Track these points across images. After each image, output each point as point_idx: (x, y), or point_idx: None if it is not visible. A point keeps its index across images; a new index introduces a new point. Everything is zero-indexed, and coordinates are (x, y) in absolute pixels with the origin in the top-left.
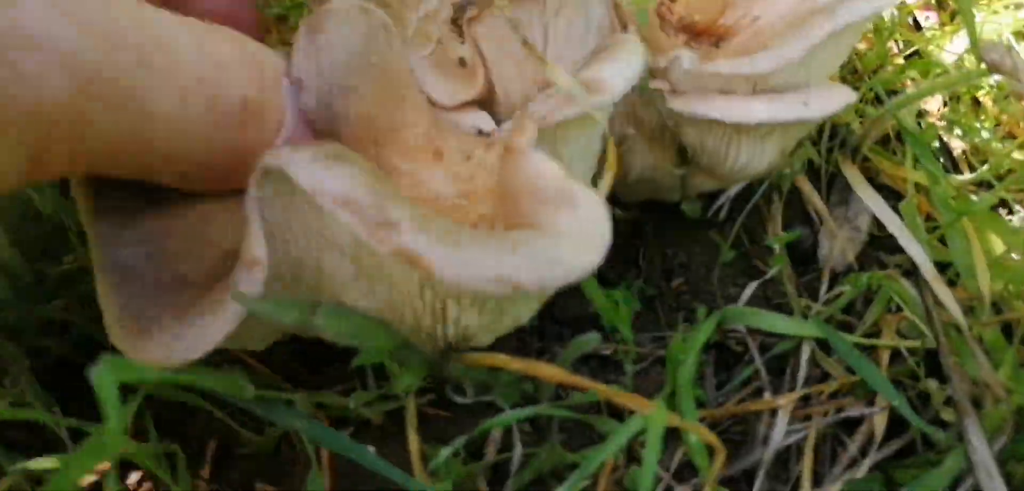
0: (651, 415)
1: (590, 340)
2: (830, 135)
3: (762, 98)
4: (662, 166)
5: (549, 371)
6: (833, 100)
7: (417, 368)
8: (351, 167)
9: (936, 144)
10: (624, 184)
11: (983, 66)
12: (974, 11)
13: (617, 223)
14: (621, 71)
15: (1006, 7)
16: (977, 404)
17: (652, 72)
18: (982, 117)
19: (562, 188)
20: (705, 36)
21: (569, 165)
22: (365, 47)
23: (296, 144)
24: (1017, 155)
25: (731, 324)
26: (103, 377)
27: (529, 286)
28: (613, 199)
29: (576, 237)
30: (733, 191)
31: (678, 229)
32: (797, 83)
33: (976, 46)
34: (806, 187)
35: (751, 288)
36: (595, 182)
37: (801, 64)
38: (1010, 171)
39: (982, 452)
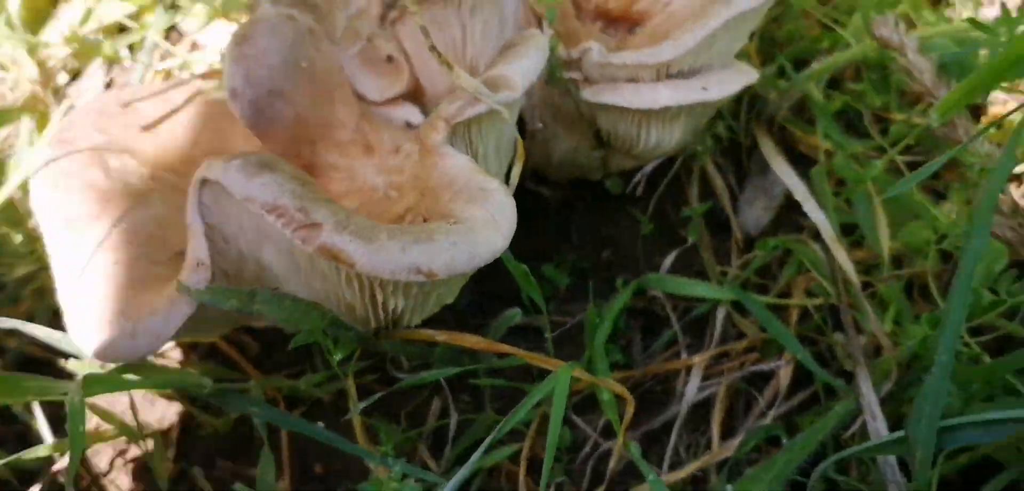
0: (559, 371)
1: (514, 315)
2: (749, 107)
3: (667, 84)
4: (581, 149)
5: (473, 340)
6: (732, 82)
7: (350, 343)
8: (276, 174)
9: (839, 110)
10: (549, 166)
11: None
12: None
13: (548, 202)
14: (523, 68)
15: None
16: (877, 354)
17: (566, 63)
18: (887, 85)
19: (474, 182)
20: (621, 22)
21: (485, 157)
22: (293, 53)
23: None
24: (918, 119)
25: (653, 290)
26: (75, 396)
27: (440, 271)
28: (542, 180)
29: (485, 226)
30: (649, 168)
31: (605, 205)
32: (701, 66)
33: (868, 20)
34: (709, 166)
35: (671, 257)
36: (510, 171)
37: (702, 49)
38: (911, 132)
39: (868, 396)
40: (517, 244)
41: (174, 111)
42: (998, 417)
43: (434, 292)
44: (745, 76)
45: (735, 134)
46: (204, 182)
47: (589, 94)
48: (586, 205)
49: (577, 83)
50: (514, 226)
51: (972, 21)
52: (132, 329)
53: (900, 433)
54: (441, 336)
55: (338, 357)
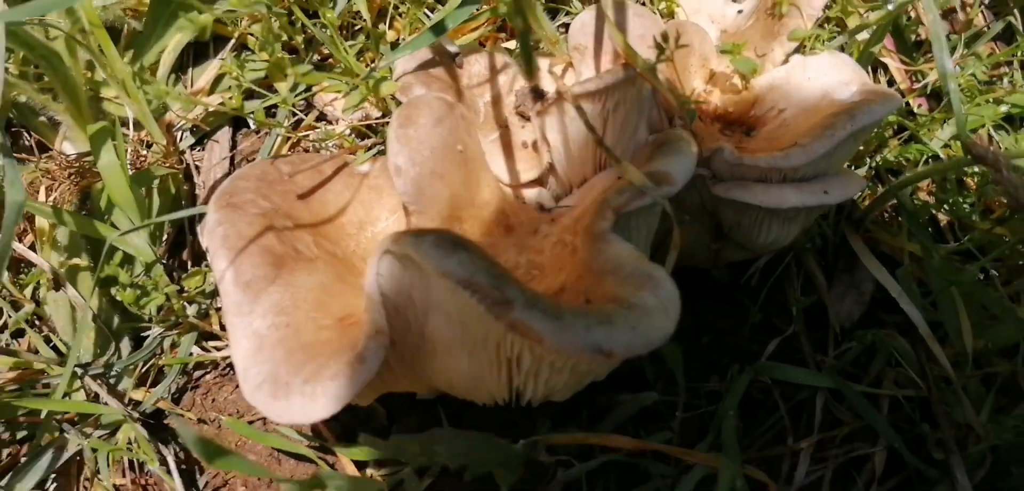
0: (723, 466)
1: (648, 398)
2: (838, 208)
3: (791, 186)
4: (699, 239)
5: (620, 441)
6: (849, 187)
7: (517, 469)
8: (470, 253)
9: (926, 216)
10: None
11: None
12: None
13: None
14: (682, 165)
15: (987, 101)
16: (962, 444)
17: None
18: (965, 194)
19: (641, 269)
20: (737, 124)
21: (638, 244)
22: (451, 136)
23: (415, 232)
24: (998, 230)
25: (757, 376)
26: None
27: (619, 352)
28: None
29: (657, 311)
30: (762, 261)
31: (707, 293)
32: (819, 172)
33: (964, 140)
34: (811, 263)
35: (773, 345)
36: (657, 255)
37: (825, 157)
38: (991, 243)
39: (964, 483)
40: None
41: (325, 181)
42: None
43: (593, 371)
44: (858, 183)
45: (824, 235)
46: (388, 253)
47: (720, 191)
48: (687, 292)
49: (705, 179)
50: (679, 312)
51: None
52: (312, 391)
53: None
54: (593, 439)
55: (509, 481)
